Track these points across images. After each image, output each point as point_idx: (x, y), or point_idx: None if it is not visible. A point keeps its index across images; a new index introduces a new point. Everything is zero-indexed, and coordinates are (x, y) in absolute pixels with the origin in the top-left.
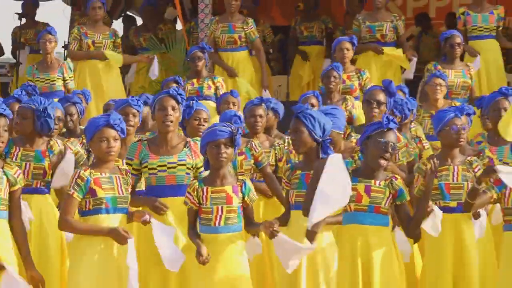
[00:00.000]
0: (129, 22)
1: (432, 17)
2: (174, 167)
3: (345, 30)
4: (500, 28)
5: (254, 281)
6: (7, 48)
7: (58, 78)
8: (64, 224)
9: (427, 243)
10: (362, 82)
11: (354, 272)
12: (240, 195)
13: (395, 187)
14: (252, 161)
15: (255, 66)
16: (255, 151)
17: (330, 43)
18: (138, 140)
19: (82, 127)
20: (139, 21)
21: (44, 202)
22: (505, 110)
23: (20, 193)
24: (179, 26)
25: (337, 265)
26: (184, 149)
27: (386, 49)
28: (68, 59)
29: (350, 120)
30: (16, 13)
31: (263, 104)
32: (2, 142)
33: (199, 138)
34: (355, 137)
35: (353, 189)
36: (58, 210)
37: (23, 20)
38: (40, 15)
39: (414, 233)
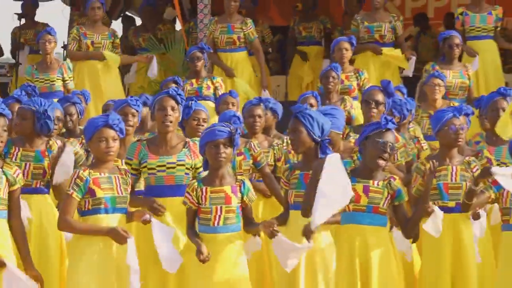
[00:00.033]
0: (128, 23)
1: (431, 17)
2: (173, 167)
3: (344, 30)
4: (498, 28)
5: (253, 281)
6: (7, 49)
7: (57, 79)
8: (63, 224)
9: (425, 243)
10: (361, 83)
11: (352, 272)
12: (239, 195)
13: (393, 187)
14: (251, 162)
15: (253, 66)
16: (254, 151)
17: (328, 44)
18: (137, 140)
19: (82, 127)
20: (138, 22)
21: (44, 202)
22: (503, 110)
23: (20, 193)
24: (178, 26)
25: (335, 265)
26: (183, 149)
27: (385, 50)
28: (68, 60)
29: (349, 120)
30: (15, 13)
31: (261, 104)
32: (1, 142)
33: (198, 139)
34: (353, 137)
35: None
36: (58, 210)
37: (23, 21)
38: (40, 16)
39: (412, 233)
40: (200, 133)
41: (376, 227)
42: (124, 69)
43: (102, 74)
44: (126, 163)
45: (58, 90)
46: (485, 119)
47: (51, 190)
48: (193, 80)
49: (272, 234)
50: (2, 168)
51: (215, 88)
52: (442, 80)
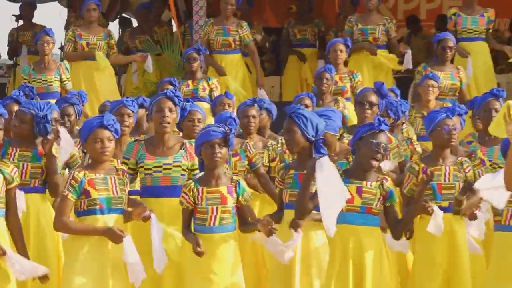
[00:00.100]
0: (125, 24)
1: (423, 19)
2: (170, 168)
3: (338, 32)
4: (490, 30)
5: (251, 281)
6: (4, 50)
7: (55, 80)
8: (59, 225)
9: (418, 241)
10: (354, 84)
11: (346, 273)
12: (235, 195)
13: (386, 188)
14: (246, 162)
15: (248, 66)
16: (250, 152)
17: (322, 45)
18: (135, 140)
19: (79, 127)
20: (135, 23)
21: (42, 202)
22: (496, 111)
23: (15, 192)
24: (175, 28)
25: (328, 264)
26: (180, 150)
27: (380, 51)
28: (65, 60)
29: (342, 121)
30: (13, 15)
31: (255, 105)
32: None
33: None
34: (347, 138)
35: None
36: (53, 209)
37: (21, 22)
38: (37, 17)
39: (400, 235)
40: (196, 133)
41: (369, 227)
42: (120, 70)
43: (97, 75)
44: (123, 162)
45: (55, 91)
46: (478, 120)
47: (46, 191)
48: (189, 82)
49: (270, 233)
50: None
51: (211, 90)
52: (435, 81)
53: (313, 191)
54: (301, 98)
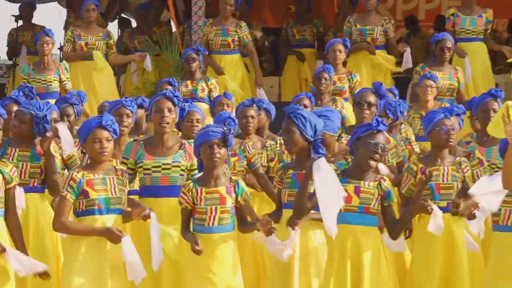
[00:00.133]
0: (124, 25)
1: (422, 20)
2: (169, 168)
3: (337, 32)
4: (489, 31)
5: (250, 281)
6: (3, 50)
7: (54, 80)
8: (58, 225)
9: (417, 241)
10: (352, 85)
11: (344, 273)
12: (234, 195)
13: (384, 188)
14: (245, 163)
15: (247, 66)
16: (248, 152)
17: (321, 46)
18: (134, 140)
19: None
20: (135, 24)
21: (41, 201)
22: (494, 111)
23: (15, 191)
24: (174, 28)
25: (326, 264)
26: (179, 151)
27: (378, 52)
28: (64, 61)
29: (341, 121)
30: (13, 15)
31: (254, 105)
32: None
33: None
34: (345, 138)
35: None
36: (52, 207)
37: (20, 22)
38: (36, 18)
39: (398, 235)
40: (194, 134)
41: (367, 227)
42: (119, 70)
43: (96, 75)
44: (122, 162)
45: (54, 91)
46: (476, 120)
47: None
48: (188, 82)
49: (269, 232)
50: None
51: (210, 90)
52: (434, 81)
53: (311, 191)
54: (300, 98)
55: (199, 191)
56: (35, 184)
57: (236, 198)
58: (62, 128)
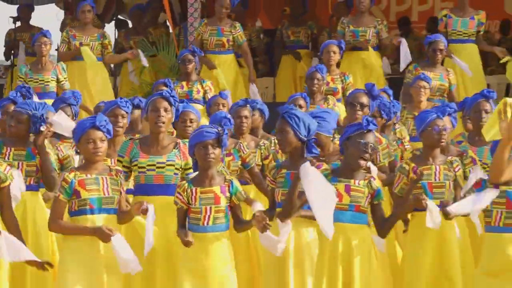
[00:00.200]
0: (121, 26)
1: (415, 21)
2: (163, 167)
3: (331, 33)
4: (481, 32)
5: (244, 278)
6: (1, 51)
7: (52, 79)
8: (52, 226)
9: (409, 239)
10: (345, 86)
11: (335, 270)
12: (228, 195)
13: (374, 187)
14: (240, 162)
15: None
16: (243, 152)
17: (315, 47)
18: (130, 139)
19: None
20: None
21: (37, 200)
22: (486, 112)
23: (10, 189)
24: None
25: (317, 263)
26: (174, 150)
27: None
28: (61, 61)
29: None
30: (11, 16)
31: (248, 105)
32: None
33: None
34: (338, 139)
35: None
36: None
37: (18, 24)
38: (34, 19)
39: (387, 233)
40: (189, 134)
41: (358, 225)
42: (116, 71)
43: (91, 75)
44: (118, 160)
45: (51, 91)
46: (468, 120)
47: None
48: (184, 83)
49: (264, 228)
50: None
51: (205, 92)
52: (427, 82)
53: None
54: (295, 99)
55: (193, 191)
56: (31, 183)
57: (230, 197)
58: (58, 117)
